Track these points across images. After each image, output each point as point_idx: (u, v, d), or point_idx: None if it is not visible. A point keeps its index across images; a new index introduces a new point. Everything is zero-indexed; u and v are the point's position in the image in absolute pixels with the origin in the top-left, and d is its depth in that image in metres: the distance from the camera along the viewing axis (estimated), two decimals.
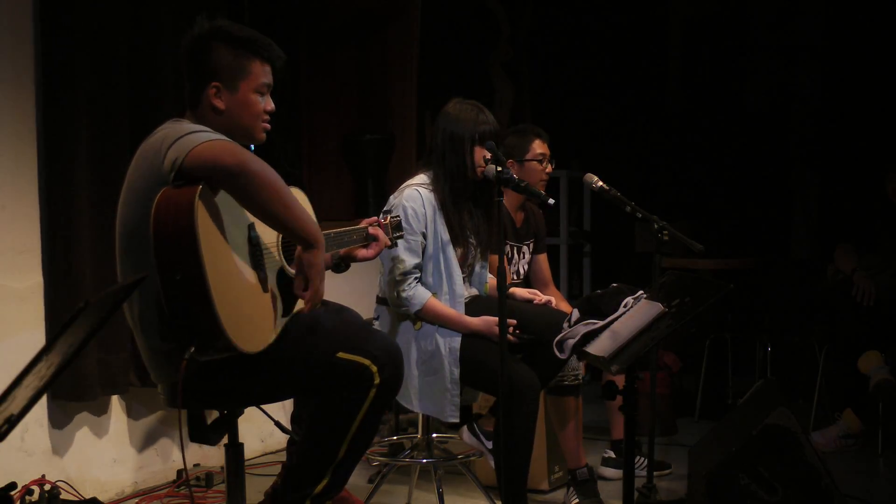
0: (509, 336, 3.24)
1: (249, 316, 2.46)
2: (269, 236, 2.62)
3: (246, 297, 2.47)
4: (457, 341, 3.38)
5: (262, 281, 2.54)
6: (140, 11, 3.94)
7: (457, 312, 3.42)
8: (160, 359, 2.52)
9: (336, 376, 2.59)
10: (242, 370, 2.51)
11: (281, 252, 2.66)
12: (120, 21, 3.85)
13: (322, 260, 2.52)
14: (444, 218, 3.45)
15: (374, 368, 2.60)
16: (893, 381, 4.53)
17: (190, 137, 2.41)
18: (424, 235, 3.43)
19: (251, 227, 2.55)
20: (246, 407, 2.72)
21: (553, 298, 3.75)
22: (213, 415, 2.75)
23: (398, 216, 3.22)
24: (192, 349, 2.36)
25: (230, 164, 2.36)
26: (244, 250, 2.51)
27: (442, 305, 3.41)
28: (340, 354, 2.60)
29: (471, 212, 3.52)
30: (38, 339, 3.61)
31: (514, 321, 3.35)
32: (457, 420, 3.40)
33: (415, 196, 3.44)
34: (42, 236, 3.67)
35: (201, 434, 2.64)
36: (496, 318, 3.33)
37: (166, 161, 2.40)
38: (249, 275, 2.51)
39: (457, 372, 3.37)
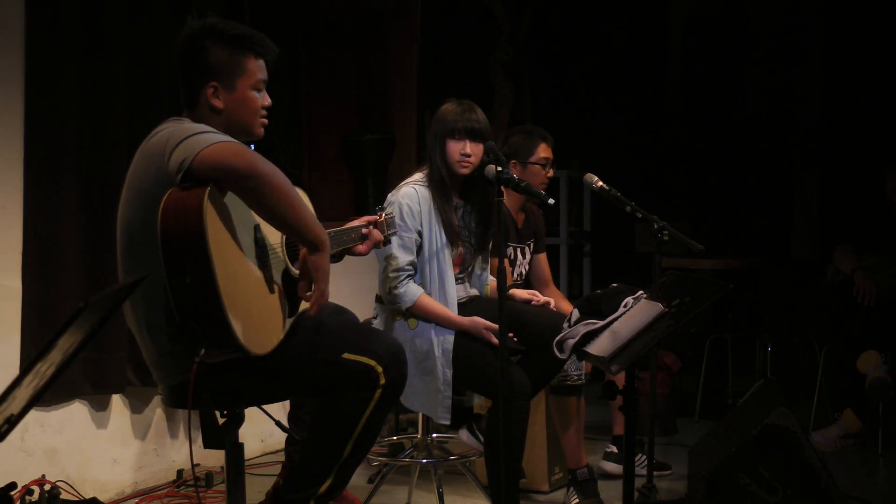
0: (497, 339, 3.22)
1: (258, 318, 2.45)
2: (274, 237, 2.62)
3: (254, 299, 2.46)
4: (449, 342, 3.37)
5: (269, 282, 2.54)
6: (134, 9, 3.92)
7: (447, 310, 3.40)
8: (167, 360, 2.51)
9: (342, 377, 2.59)
10: (248, 371, 2.50)
11: (285, 252, 2.66)
12: (113, 19, 3.83)
13: (328, 262, 2.51)
14: (439, 216, 3.45)
15: (380, 369, 2.60)
16: (887, 379, 4.53)
17: (197, 138, 2.38)
18: (420, 234, 3.42)
19: (257, 227, 2.54)
20: (250, 407, 2.72)
21: (552, 299, 3.74)
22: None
23: (392, 213, 3.22)
24: (203, 352, 2.34)
25: (240, 167, 2.34)
26: (251, 251, 2.50)
27: (433, 302, 3.40)
28: (346, 355, 2.59)
29: (461, 210, 3.51)
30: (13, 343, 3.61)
31: (512, 333, 3.33)
32: (447, 422, 3.38)
33: (411, 193, 3.43)
34: (24, 237, 3.62)
35: (215, 440, 2.58)
36: (483, 320, 3.33)
37: (172, 161, 2.37)
38: (257, 276, 2.50)
39: (449, 373, 3.36)
